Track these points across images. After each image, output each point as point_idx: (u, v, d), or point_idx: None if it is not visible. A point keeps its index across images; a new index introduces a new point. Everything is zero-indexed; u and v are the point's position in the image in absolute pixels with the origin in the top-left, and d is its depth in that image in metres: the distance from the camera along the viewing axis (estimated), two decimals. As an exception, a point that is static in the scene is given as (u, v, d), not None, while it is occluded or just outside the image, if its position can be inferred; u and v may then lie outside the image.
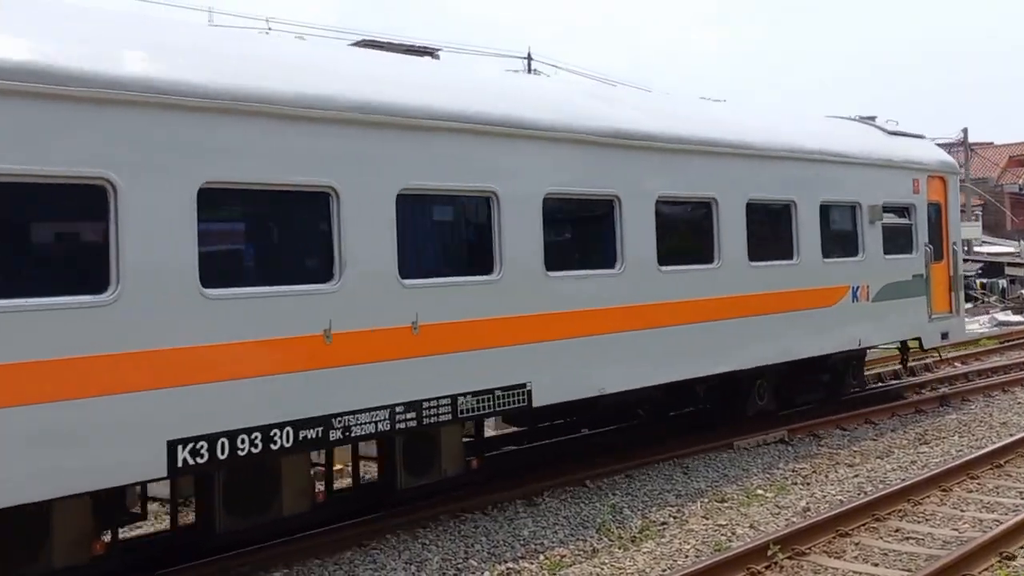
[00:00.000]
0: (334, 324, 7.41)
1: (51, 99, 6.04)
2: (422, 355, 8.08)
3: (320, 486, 8.49)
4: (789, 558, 7.78)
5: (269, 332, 7.05)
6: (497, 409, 8.72)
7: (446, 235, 8.81)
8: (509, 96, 9.35)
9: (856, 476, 10.76)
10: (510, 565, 7.99)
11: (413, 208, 8.11)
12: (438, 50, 10.47)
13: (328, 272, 7.47)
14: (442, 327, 8.22)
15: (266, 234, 7.51)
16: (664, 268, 10.42)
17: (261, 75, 7.23)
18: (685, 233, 11.23)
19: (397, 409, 7.88)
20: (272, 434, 7.04)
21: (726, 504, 9.72)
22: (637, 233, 10.09)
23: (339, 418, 7.45)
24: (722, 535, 8.63)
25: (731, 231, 11.37)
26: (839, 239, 13.46)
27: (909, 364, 17.58)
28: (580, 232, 10.01)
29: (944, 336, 15.49)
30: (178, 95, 6.61)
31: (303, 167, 7.30)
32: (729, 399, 12.74)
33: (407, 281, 8.00)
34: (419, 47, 10.26)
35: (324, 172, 7.43)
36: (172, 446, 6.51)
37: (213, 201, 6.83)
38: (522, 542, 8.59)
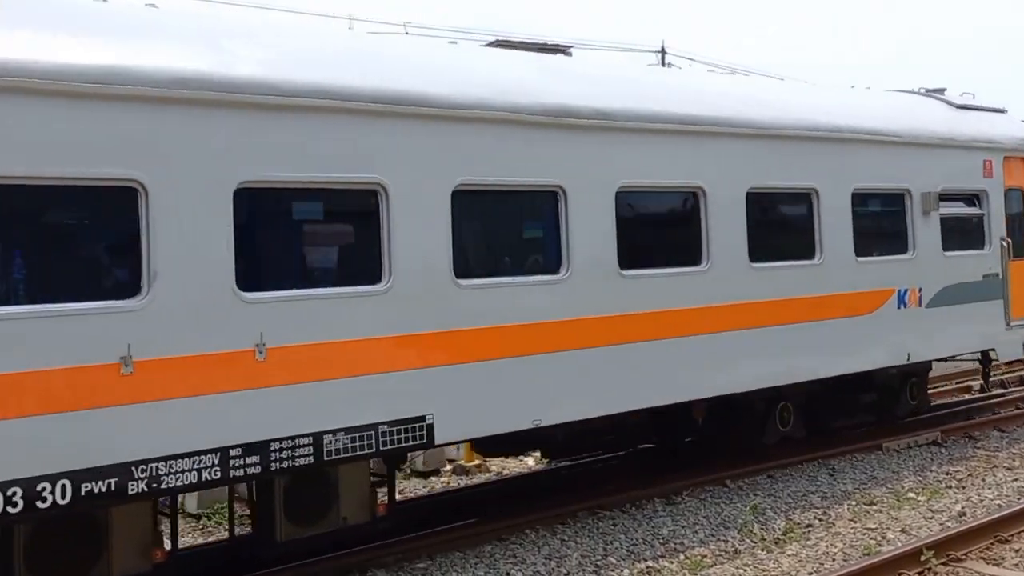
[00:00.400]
0: (134, 350, 6.00)
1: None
2: (270, 385, 6.60)
3: (383, 496, 7.71)
4: (944, 564, 7.58)
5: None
6: (383, 448, 7.14)
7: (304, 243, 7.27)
8: None
9: (1016, 480, 10.36)
10: (650, 563, 7.91)
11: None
12: (570, 47, 10.18)
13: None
14: (300, 350, 6.72)
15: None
16: (627, 272, 8.63)
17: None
18: (665, 231, 9.41)
19: (232, 452, 6.42)
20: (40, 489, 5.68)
21: (875, 507, 9.43)
22: (589, 234, 8.36)
23: (142, 466, 6.04)
24: (871, 539, 8.39)
25: (725, 226, 9.46)
26: (879, 234, 11.31)
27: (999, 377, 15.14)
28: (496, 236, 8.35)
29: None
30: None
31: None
32: (737, 425, 10.78)
33: (249, 295, 6.53)
34: (552, 45, 10.02)
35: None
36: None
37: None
38: (661, 541, 8.48)
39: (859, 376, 11.19)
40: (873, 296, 11.00)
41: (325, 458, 6.82)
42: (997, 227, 12.70)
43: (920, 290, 11.56)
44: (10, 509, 5.55)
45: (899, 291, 11.33)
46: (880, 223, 11.42)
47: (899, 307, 11.31)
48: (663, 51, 32.88)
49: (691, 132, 9.22)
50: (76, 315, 5.86)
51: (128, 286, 6.09)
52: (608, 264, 8.47)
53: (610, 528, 8.77)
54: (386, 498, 7.83)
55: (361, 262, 7.21)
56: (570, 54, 10.05)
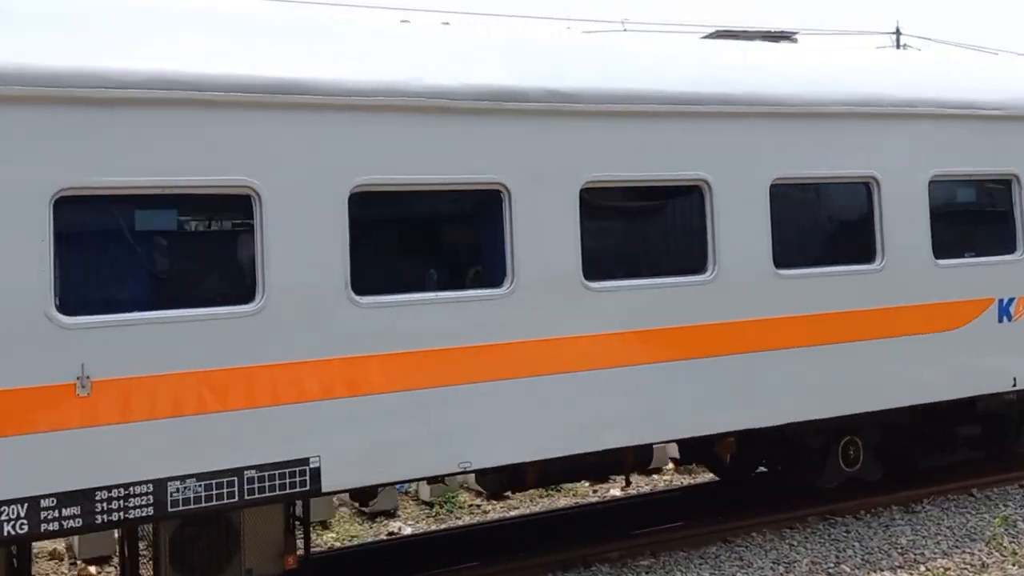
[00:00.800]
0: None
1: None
2: (98, 424, 5.66)
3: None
4: None
5: None
6: (252, 497, 6.06)
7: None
8: None
9: None
10: (886, 573, 7.64)
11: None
12: (795, 33, 9.80)
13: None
14: (137, 383, 5.75)
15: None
16: (591, 284, 7.15)
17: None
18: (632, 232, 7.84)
19: (43, 503, 5.52)
20: None
21: None
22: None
23: None
24: None
25: (737, 224, 7.77)
26: (971, 229, 9.18)
27: None
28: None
29: None
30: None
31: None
32: (783, 463, 8.98)
33: (68, 319, 5.62)
34: (776, 32, 9.64)
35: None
36: None
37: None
38: (899, 550, 8.11)
39: (955, 405, 9.15)
40: (961, 308, 8.90)
41: (170, 510, 5.82)
42: None
43: None
44: None
45: (1001, 301, 9.14)
46: (973, 216, 9.26)
47: (1001, 320, 9.12)
48: (898, 32, 31.37)
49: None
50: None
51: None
52: (574, 276, 7.03)
53: (843, 535, 8.49)
54: (302, 548, 6.77)
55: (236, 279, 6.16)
56: (795, 40, 9.62)
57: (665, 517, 9.04)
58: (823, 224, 8.53)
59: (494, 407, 6.71)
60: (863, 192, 8.45)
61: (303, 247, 6.19)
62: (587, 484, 11.03)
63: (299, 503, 6.85)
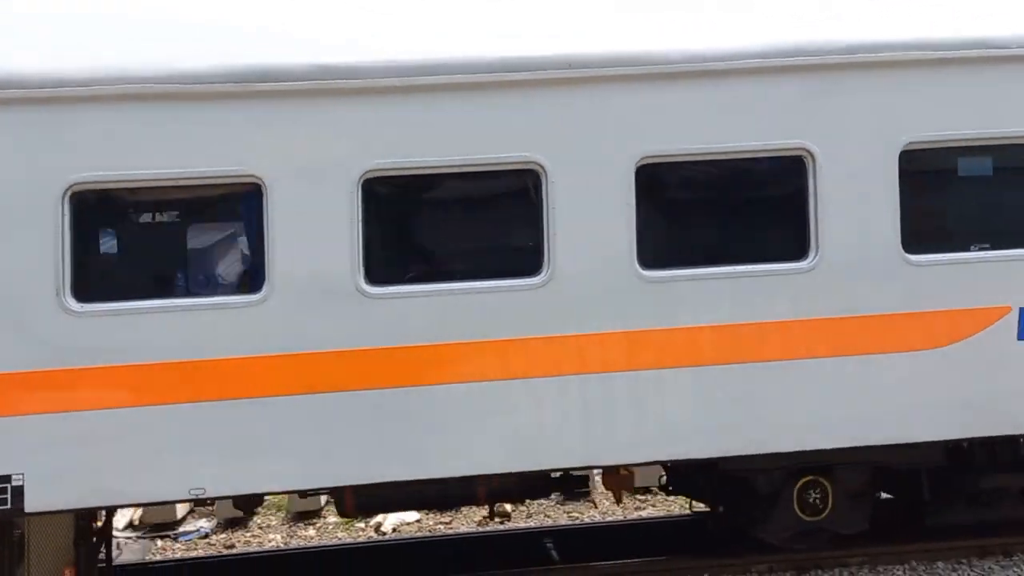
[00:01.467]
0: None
1: None
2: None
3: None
4: None
5: None
6: (-48, 512, 5.84)
7: None
8: None
9: None
10: None
11: None
12: None
13: None
14: None
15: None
16: (371, 288, 6.11)
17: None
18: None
19: None
20: None
21: None
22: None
23: None
24: None
25: (584, 215, 6.29)
26: (960, 214, 6.83)
27: None
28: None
29: None
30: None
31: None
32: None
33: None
34: None
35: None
36: None
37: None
38: None
39: (986, 443, 6.96)
40: (957, 318, 6.63)
41: None
42: None
43: None
44: None
45: (1021, 310, 6.71)
46: (952, 197, 6.82)
47: (1022, 337, 6.70)
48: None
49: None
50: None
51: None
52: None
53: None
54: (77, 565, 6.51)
55: None
56: None
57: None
58: (716, 214, 6.69)
59: (226, 428, 5.98)
60: (796, 168, 6.53)
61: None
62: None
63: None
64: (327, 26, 6.36)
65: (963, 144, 6.68)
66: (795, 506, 7.13)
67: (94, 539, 6.78)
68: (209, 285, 6.19)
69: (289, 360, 6.03)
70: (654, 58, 6.29)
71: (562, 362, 6.22)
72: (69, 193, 5.88)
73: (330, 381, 6.08)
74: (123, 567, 7.99)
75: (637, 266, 6.25)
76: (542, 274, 6.18)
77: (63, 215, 5.88)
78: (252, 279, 6.12)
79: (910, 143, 6.56)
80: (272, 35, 6.26)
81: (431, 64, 6.10)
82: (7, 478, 5.86)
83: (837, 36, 6.54)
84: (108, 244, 6.16)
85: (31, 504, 5.88)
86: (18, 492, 5.87)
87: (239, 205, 6.19)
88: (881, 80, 6.55)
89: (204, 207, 6.27)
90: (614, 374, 6.27)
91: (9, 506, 5.88)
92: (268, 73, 6.06)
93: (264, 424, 5.99)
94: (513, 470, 6.33)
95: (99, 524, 6.96)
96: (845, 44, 6.54)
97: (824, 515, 7.13)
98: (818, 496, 7.13)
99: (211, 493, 6.03)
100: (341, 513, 7.31)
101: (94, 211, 6.02)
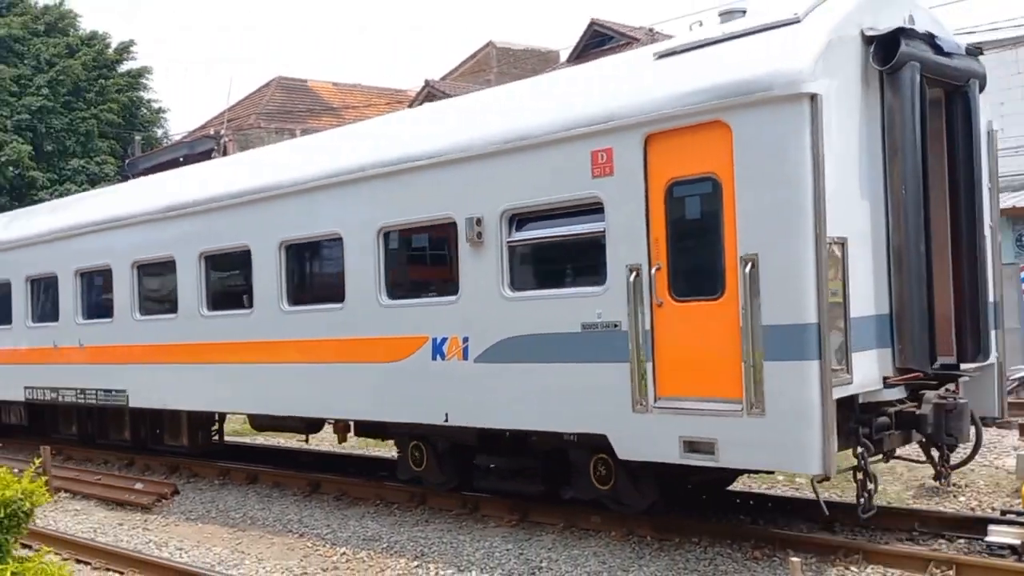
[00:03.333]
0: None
1: None
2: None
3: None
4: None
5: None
6: None
7: None
8: None
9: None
10: None
11: None
12: None
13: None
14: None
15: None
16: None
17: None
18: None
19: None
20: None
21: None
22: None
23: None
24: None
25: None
26: (421, 274, 9.91)
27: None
28: None
29: (692, 448, 7.61)
30: None
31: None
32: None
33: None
34: None
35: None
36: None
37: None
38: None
39: (517, 436, 9.90)
40: (403, 343, 9.92)
41: None
42: (628, 250, 7.96)
43: (465, 340, 9.27)
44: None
45: (434, 339, 9.57)
46: (425, 259, 9.67)
47: (434, 358, 9.58)
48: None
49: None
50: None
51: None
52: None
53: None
54: None
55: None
56: None
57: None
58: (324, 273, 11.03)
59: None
60: (338, 246, 10.64)
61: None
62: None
63: None
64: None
65: (400, 227, 9.93)
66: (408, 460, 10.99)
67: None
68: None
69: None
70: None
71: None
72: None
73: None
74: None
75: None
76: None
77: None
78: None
79: (382, 226, 10.08)
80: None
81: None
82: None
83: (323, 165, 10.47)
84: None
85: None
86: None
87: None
88: (369, 186, 10.20)
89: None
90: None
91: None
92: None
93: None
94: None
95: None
96: (357, 164, 10.36)
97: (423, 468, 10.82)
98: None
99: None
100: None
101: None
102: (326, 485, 12.20)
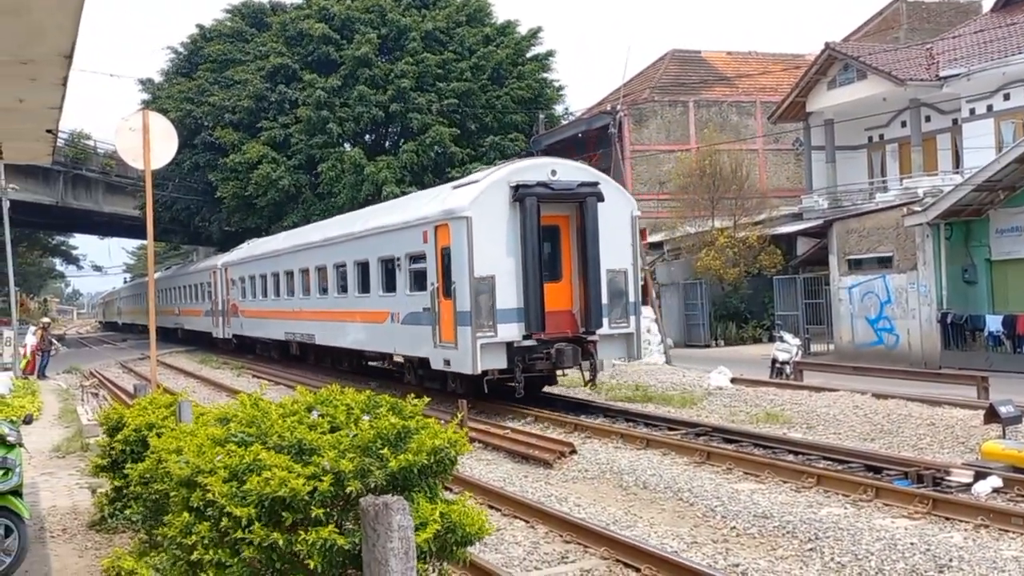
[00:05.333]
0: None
1: None
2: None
3: None
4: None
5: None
6: None
7: None
8: None
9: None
10: None
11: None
12: None
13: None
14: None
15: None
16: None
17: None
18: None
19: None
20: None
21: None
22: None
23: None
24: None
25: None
26: (381, 281, 20.66)
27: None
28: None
29: (446, 362, 17.60)
30: None
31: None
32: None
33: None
34: None
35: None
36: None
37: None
38: None
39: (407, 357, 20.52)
40: (383, 314, 20.60)
41: None
42: (431, 276, 17.99)
43: (397, 314, 19.72)
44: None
45: (394, 313, 20.10)
46: (390, 277, 20.26)
47: (392, 322, 20.12)
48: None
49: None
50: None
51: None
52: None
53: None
54: None
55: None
56: None
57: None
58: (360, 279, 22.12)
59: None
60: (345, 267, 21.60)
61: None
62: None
63: None
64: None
65: (383, 258, 20.80)
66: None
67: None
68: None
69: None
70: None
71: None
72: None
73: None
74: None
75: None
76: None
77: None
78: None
79: (367, 258, 21.00)
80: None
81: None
82: (314, 333, 26.15)
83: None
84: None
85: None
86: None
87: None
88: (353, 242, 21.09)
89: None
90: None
91: (314, 339, 26.16)
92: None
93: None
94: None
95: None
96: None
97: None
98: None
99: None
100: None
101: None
102: (716, 457, 12.54)
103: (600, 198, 17.32)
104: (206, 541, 4.76)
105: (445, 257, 17.40)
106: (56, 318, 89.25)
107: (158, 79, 49.14)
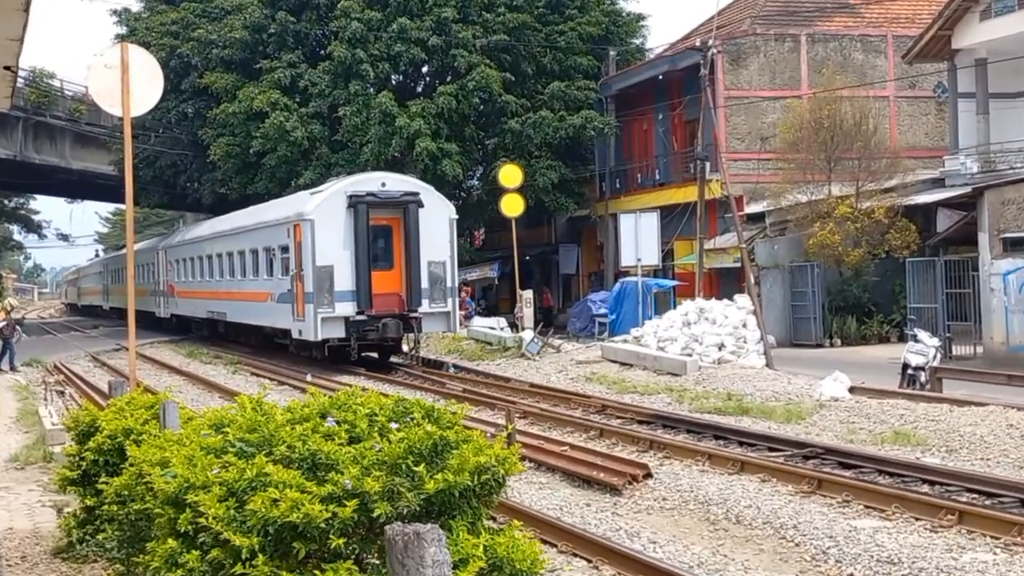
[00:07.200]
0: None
1: None
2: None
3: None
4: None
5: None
6: None
7: None
8: None
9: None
10: None
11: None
12: None
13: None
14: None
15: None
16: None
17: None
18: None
19: (308, 321, 28.46)
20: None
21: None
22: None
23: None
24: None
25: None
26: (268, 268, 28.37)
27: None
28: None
29: (298, 332, 28.23)
30: None
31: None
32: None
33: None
34: None
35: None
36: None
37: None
38: None
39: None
40: (264, 293, 29.27)
41: None
42: (292, 264, 28.07)
43: (275, 293, 29.06)
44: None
45: (272, 293, 29.35)
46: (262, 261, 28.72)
47: (271, 301, 29.49)
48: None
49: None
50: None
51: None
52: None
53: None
54: None
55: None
56: None
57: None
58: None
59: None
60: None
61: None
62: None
63: None
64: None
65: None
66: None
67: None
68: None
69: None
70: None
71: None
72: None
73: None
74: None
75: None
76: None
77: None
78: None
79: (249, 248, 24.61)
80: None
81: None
82: (326, 322, 27.18)
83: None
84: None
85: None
86: (326, 326, 27.25)
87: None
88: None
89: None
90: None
91: (326, 329, 27.33)
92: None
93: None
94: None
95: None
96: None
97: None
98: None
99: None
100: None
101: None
102: (829, 486, 12.28)
103: (420, 204, 27.65)
104: (196, 575, 4.82)
105: (300, 249, 27.14)
106: (14, 298, 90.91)
107: (136, 7, 49.59)
